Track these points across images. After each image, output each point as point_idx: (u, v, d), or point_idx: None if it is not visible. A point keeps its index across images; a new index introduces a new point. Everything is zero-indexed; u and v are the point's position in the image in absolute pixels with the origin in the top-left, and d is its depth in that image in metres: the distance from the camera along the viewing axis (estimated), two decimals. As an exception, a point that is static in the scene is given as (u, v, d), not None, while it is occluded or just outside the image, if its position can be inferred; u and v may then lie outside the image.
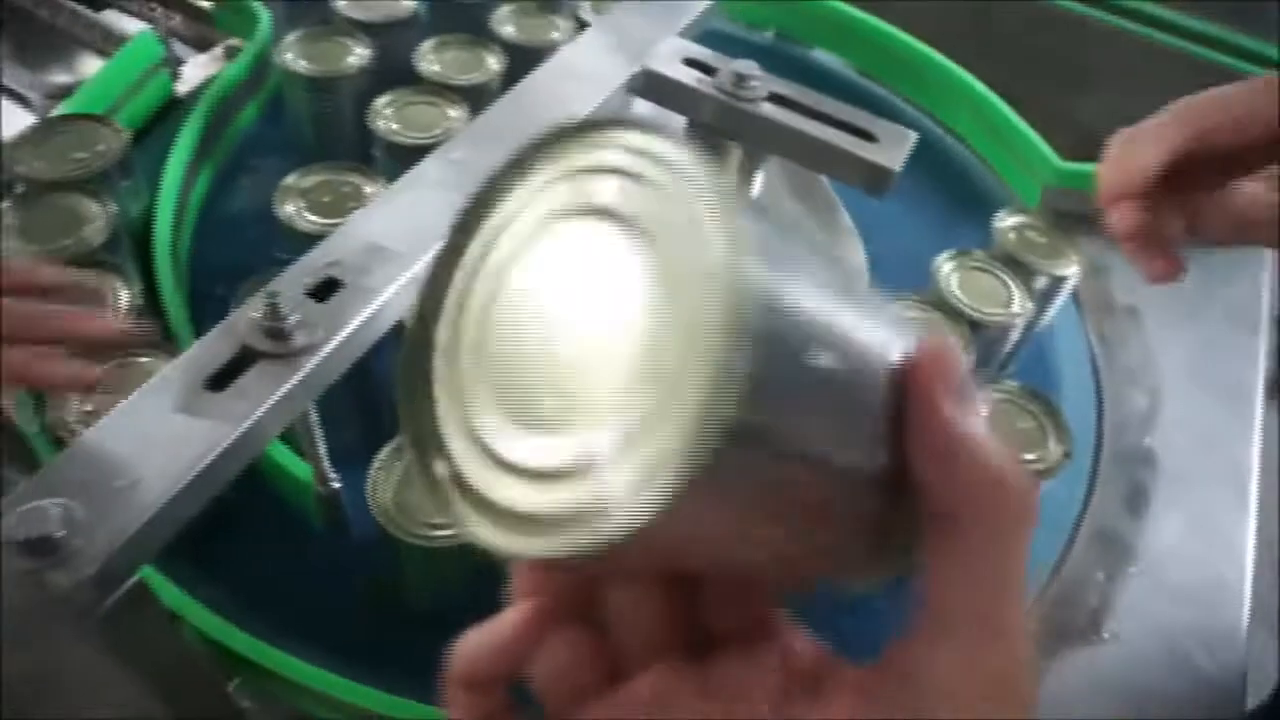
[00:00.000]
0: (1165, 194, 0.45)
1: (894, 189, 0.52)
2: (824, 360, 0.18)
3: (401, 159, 0.57)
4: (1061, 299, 0.61)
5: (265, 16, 0.71)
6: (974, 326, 0.55)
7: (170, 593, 0.46)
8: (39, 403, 0.49)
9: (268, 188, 0.67)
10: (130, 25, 0.80)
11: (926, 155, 0.53)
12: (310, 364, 0.40)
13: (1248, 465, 0.63)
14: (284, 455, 0.49)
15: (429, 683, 0.25)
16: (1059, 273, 0.59)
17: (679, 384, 0.17)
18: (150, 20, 0.79)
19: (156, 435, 0.36)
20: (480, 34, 0.66)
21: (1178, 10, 0.85)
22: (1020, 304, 0.57)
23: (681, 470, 0.16)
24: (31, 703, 0.39)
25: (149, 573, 0.37)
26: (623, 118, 0.21)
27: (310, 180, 0.56)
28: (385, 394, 0.54)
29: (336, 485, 0.49)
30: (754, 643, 0.22)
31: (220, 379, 0.38)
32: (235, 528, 0.51)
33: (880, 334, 0.21)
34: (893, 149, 0.52)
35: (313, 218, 0.54)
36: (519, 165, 0.22)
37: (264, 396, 0.38)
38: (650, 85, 0.55)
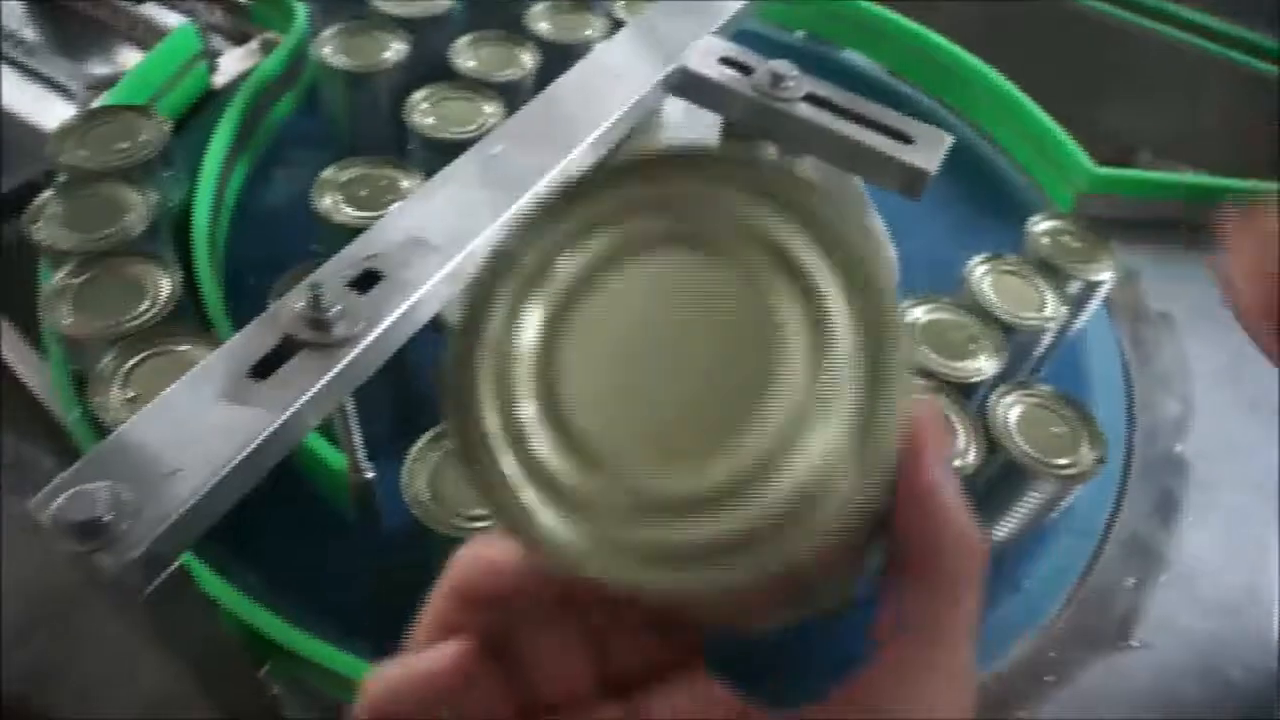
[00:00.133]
0: None
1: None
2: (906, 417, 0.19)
3: (437, 154, 0.58)
4: (1095, 304, 0.61)
5: (302, 11, 0.71)
6: (1007, 330, 0.55)
7: (205, 577, 0.46)
8: (80, 388, 0.50)
9: (302, 180, 0.68)
10: (170, 18, 0.81)
11: (955, 157, 0.53)
12: (351, 354, 0.40)
13: (1280, 474, 0.62)
14: (319, 444, 0.50)
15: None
16: (1093, 277, 0.58)
17: (836, 415, 0.18)
18: (190, 14, 0.80)
19: (201, 422, 0.37)
20: (515, 30, 0.67)
21: (1206, 12, 0.85)
22: (1054, 308, 0.56)
23: (854, 503, 0.17)
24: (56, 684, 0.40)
25: (186, 557, 0.37)
26: (739, 153, 0.21)
27: (348, 173, 0.57)
28: (419, 385, 0.55)
29: (370, 475, 0.49)
30: (673, 683, 0.22)
31: (264, 368, 0.39)
32: (268, 515, 0.52)
33: None
34: (928, 151, 0.52)
35: (350, 210, 0.55)
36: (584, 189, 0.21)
37: (306, 386, 0.39)
38: (686, 84, 0.56)
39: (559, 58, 0.64)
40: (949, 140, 0.52)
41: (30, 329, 0.81)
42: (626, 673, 0.23)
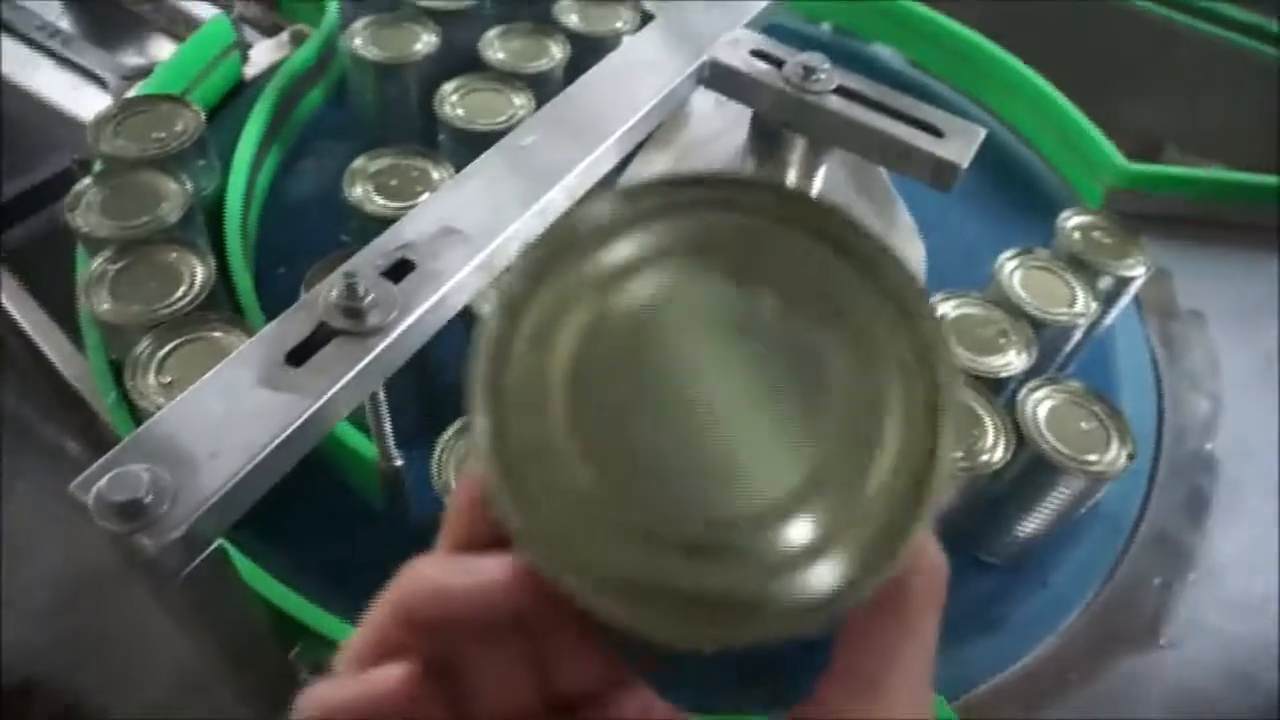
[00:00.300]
0: None
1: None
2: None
3: (467, 145, 0.58)
4: (1126, 300, 0.61)
5: (332, 3, 0.72)
6: (1036, 326, 0.54)
7: (239, 561, 0.47)
8: (115, 373, 0.51)
9: (332, 171, 0.69)
10: (202, 10, 0.82)
11: (985, 152, 0.52)
12: (384, 342, 0.40)
13: (1311, 474, 0.61)
14: (349, 433, 0.50)
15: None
16: (1125, 274, 0.58)
17: (882, 472, 0.18)
18: (223, 5, 0.81)
19: (238, 407, 0.38)
20: (544, 22, 0.67)
21: (1233, 4, 0.83)
22: (1084, 304, 0.56)
23: (899, 557, 0.17)
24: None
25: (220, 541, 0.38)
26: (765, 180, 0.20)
27: (378, 164, 0.57)
28: (448, 376, 0.55)
29: (399, 463, 0.49)
30: (613, 701, 0.22)
31: (299, 355, 0.39)
32: (298, 503, 0.52)
33: None
34: (960, 144, 0.52)
35: (381, 200, 0.55)
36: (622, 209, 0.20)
37: (340, 373, 0.39)
38: (716, 76, 0.56)
39: (588, 50, 0.64)
40: (981, 134, 0.52)
41: (62, 315, 0.82)
42: (570, 692, 0.22)
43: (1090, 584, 0.55)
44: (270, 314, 0.55)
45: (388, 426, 0.47)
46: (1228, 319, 0.70)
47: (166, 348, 0.47)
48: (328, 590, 0.48)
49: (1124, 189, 0.71)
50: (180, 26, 0.81)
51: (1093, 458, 0.49)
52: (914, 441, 0.18)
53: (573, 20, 0.68)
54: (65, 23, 0.80)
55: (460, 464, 0.47)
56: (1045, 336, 0.55)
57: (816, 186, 0.58)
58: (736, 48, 0.56)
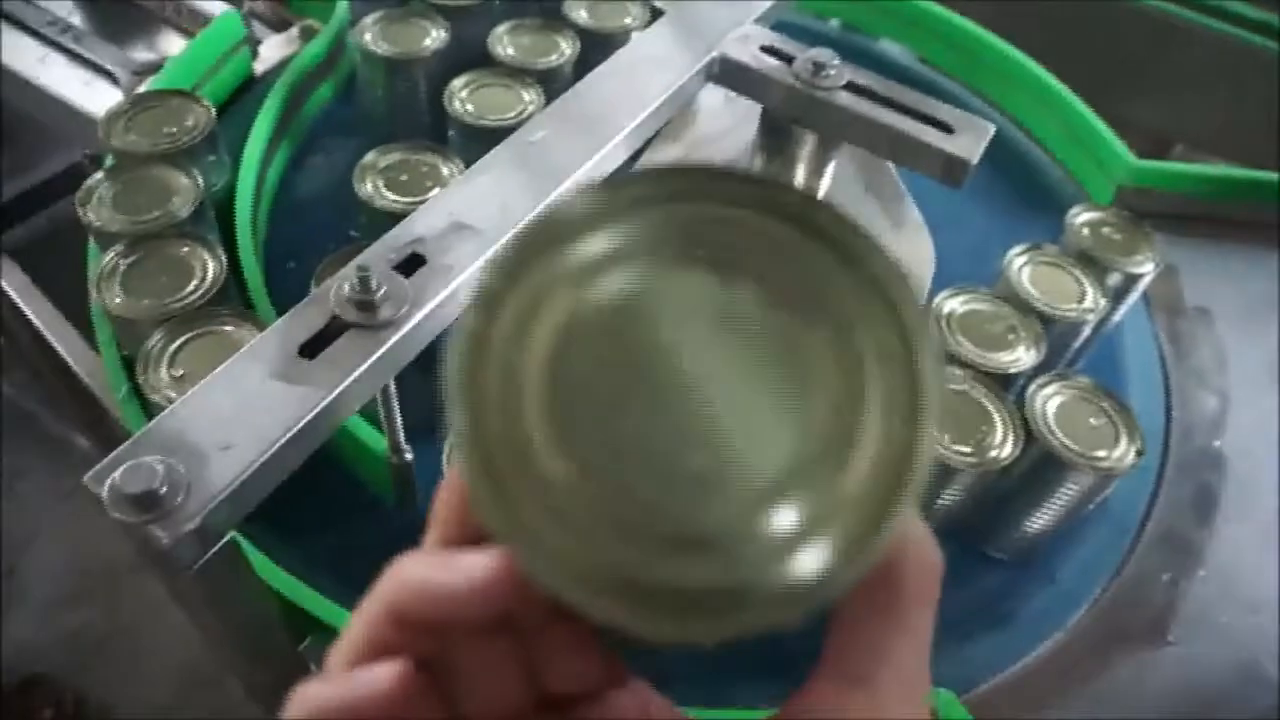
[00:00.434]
0: None
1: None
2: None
3: (477, 140, 0.59)
4: (1134, 297, 0.61)
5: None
6: (1045, 322, 0.54)
7: (250, 553, 0.47)
8: (128, 366, 0.51)
9: (340, 166, 0.69)
10: (212, 6, 0.82)
11: (994, 148, 0.53)
12: (395, 336, 0.41)
13: (1320, 472, 0.61)
14: (359, 425, 0.50)
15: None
16: (1134, 270, 0.58)
17: (862, 465, 0.17)
18: (232, 1, 0.81)
19: (252, 400, 0.38)
20: (554, 18, 0.67)
21: (1246, 2, 0.83)
22: (1093, 300, 0.56)
23: (879, 546, 0.17)
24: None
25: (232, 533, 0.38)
26: (747, 172, 0.20)
27: (388, 159, 0.57)
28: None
29: (409, 457, 0.50)
30: (609, 696, 0.22)
31: (312, 347, 0.39)
32: (308, 495, 0.52)
33: None
34: (970, 140, 0.52)
35: (391, 195, 0.55)
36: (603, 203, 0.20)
37: (353, 366, 0.39)
38: (726, 72, 0.56)
39: (597, 46, 0.65)
40: (991, 129, 0.52)
41: (71, 311, 0.83)
42: (563, 689, 0.22)
43: (1098, 580, 0.55)
44: (280, 309, 0.55)
45: (398, 420, 0.47)
46: (1235, 316, 0.70)
47: (178, 341, 0.48)
48: (338, 583, 0.49)
49: (1132, 186, 0.71)
50: (191, 22, 0.81)
51: (1101, 454, 0.49)
52: (895, 431, 0.18)
53: (582, 16, 0.68)
54: (77, 18, 0.81)
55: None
56: (1054, 332, 0.55)
57: (826, 182, 0.59)
58: (746, 43, 0.56)
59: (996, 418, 0.50)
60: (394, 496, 0.52)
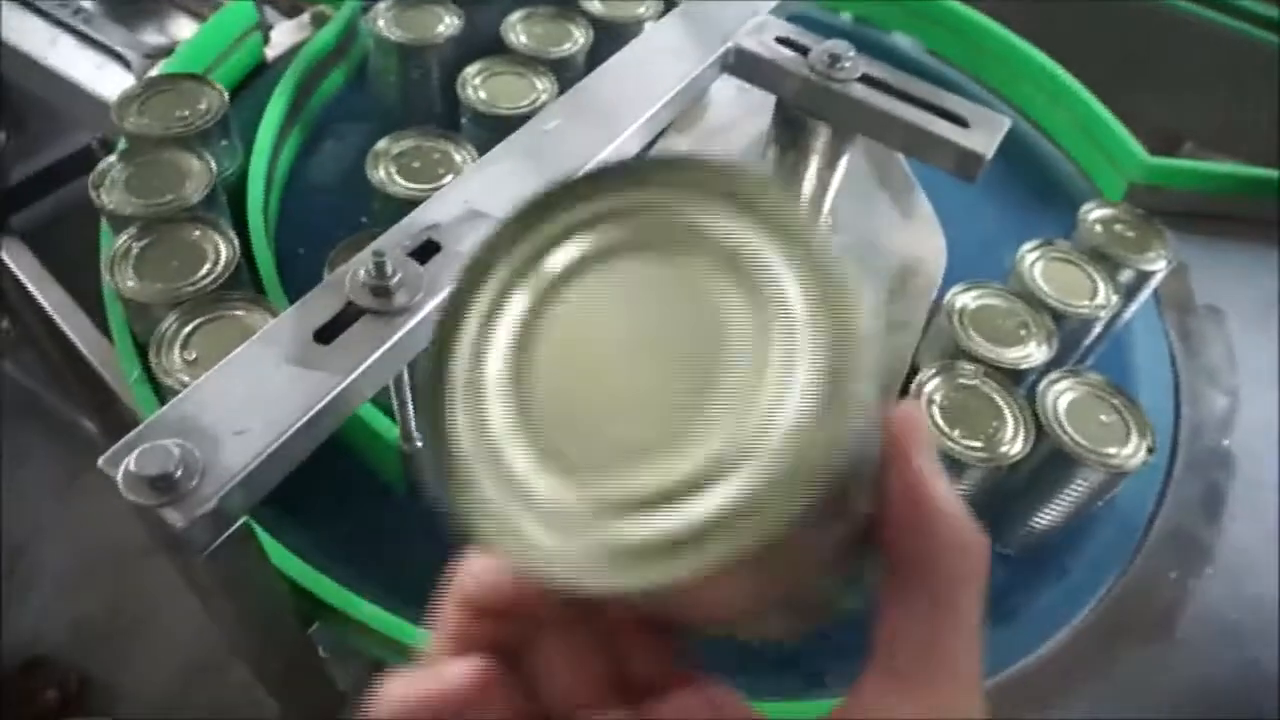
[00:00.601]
0: None
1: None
2: (875, 401, 0.18)
3: (489, 128, 0.58)
4: (1146, 294, 0.60)
5: (355, -15, 0.72)
6: (1057, 318, 0.54)
7: (261, 537, 0.47)
8: (140, 349, 0.51)
9: (352, 153, 0.69)
10: (223, -10, 0.81)
11: (1004, 143, 0.52)
12: (410, 322, 0.41)
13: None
14: (371, 412, 0.51)
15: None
16: (1146, 267, 0.58)
17: (794, 396, 0.18)
18: (243, -15, 0.80)
19: (266, 384, 0.38)
20: (567, 7, 0.67)
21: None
22: (1105, 296, 0.56)
23: (821, 479, 0.17)
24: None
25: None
26: (677, 157, 0.21)
27: (401, 146, 0.57)
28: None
29: (420, 444, 0.50)
30: (679, 692, 0.22)
31: (326, 333, 0.39)
32: (320, 480, 0.53)
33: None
34: (985, 134, 0.52)
35: (403, 182, 0.55)
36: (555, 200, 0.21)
37: (367, 351, 0.39)
38: (741, 63, 0.55)
39: (611, 35, 0.64)
40: (1006, 124, 0.52)
41: (79, 293, 0.83)
42: (640, 682, 0.22)
43: (1105, 577, 0.55)
44: (292, 294, 0.55)
45: (410, 408, 0.48)
46: (1245, 315, 0.70)
47: (190, 325, 0.48)
48: (349, 568, 0.49)
49: (1144, 183, 0.71)
50: (202, 6, 0.81)
51: (1112, 451, 0.49)
52: (816, 383, 0.18)
53: (595, 5, 0.67)
54: (88, 1, 0.80)
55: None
56: (1066, 328, 0.55)
57: (839, 174, 0.58)
58: (761, 34, 0.55)
59: (1007, 413, 0.50)
60: (405, 484, 0.52)
